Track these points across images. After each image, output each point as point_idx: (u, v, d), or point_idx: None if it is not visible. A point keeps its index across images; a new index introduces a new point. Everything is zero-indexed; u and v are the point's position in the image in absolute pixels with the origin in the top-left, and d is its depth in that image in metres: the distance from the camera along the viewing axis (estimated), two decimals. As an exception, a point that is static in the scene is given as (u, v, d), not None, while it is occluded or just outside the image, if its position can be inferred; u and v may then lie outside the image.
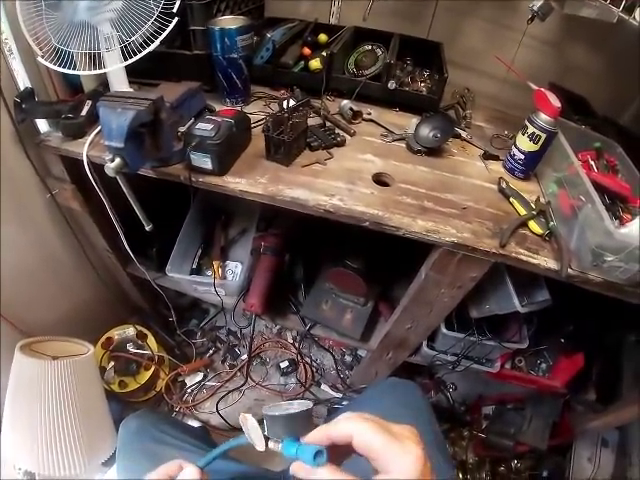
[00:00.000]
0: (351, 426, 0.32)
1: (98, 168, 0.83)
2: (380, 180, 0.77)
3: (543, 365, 1.11)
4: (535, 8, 0.83)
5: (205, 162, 0.72)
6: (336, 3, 1.15)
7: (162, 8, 0.82)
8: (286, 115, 0.72)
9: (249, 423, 0.39)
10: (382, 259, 0.98)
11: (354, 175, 0.76)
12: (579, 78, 1.08)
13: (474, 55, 1.16)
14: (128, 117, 0.66)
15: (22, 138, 0.91)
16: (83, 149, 0.82)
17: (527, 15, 0.85)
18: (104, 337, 1.18)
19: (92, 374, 1.03)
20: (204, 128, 0.71)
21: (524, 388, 1.14)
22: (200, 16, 0.91)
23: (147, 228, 0.75)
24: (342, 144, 0.80)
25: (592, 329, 1.07)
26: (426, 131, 0.85)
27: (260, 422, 0.39)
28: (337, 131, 0.82)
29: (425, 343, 0.96)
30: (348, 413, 0.34)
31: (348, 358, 1.44)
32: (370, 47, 0.97)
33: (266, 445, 0.38)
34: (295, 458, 0.34)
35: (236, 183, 0.73)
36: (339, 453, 0.34)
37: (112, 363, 1.15)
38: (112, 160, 0.68)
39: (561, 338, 1.08)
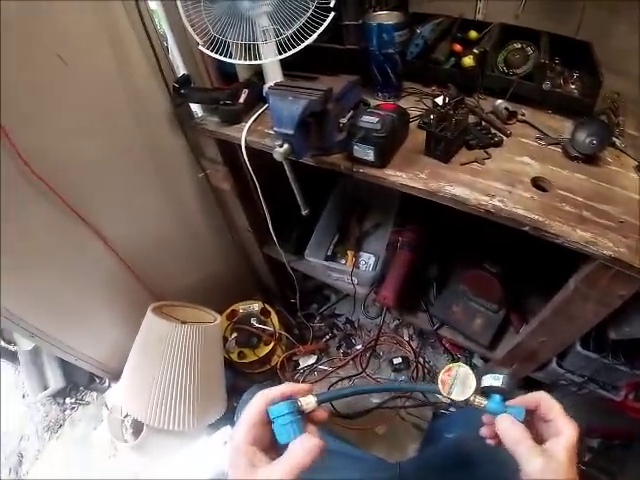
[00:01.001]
0: (541, 394, 0.47)
1: (252, 153, 0.89)
2: (537, 184, 0.75)
3: (663, 401, 1.02)
4: None
5: (367, 154, 0.74)
6: (482, -1, 1.11)
7: (317, 3, 0.86)
8: (451, 112, 0.72)
9: (462, 372, 0.46)
10: (520, 267, 0.94)
11: (513, 177, 0.74)
12: None
13: (622, 57, 1.07)
14: (300, 105, 0.70)
15: (181, 120, 1.00)
16: (242, 134, 0.88)
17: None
18: (229, 309, 1.26)
19: (216, 342, 1.10)
20: (370, 121, 0.73)
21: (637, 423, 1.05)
22: (353, 11, 0.93)
23: (303, 212, 0.80)
24: (499, 144, 0.79)
25: None
26: (582, 136, 0.81)
27: None
28: (493, 131, 0.81)
29: (555, 360, 0.92)
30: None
31: (461, 366, 1.39)
32: (520, 45, 0.94)
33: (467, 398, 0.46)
34: (496, 413, 0.46)
35: (396, 176, 0.74)
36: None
37: (235, 334, 1.23)
38: (281, 145, 0.73)
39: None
